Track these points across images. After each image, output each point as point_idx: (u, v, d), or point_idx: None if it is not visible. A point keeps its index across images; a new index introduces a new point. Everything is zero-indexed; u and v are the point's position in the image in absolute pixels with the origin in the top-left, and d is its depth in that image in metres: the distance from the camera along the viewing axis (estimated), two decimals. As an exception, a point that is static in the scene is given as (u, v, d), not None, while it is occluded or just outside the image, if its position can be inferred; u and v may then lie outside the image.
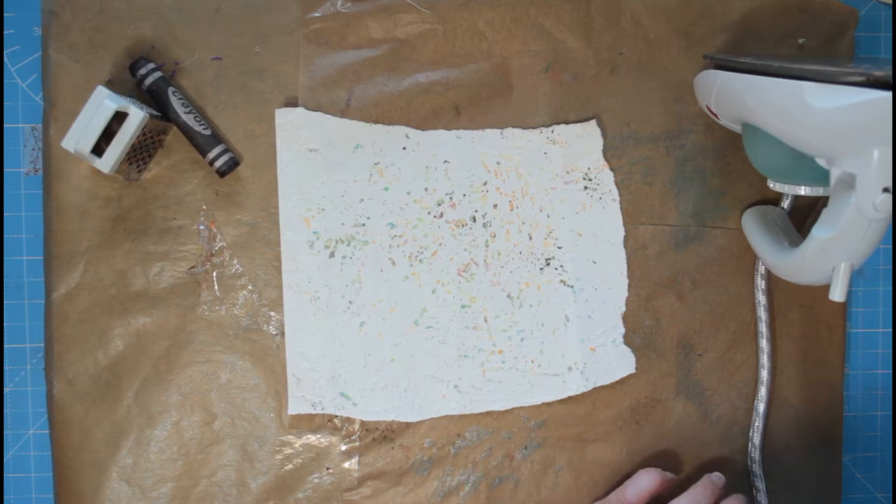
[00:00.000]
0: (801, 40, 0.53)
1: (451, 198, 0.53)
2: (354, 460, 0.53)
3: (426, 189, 0.53)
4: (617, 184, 0.53)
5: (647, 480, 0.51)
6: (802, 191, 0.48)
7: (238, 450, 0.52)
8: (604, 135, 0.53)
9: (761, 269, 0.53)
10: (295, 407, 0.52)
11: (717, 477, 0.52)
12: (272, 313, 0.53)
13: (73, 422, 0.52)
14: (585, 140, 0.53)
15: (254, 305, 0.53)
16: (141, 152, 0.50)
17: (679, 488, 0.52)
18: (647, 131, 0.53)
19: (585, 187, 0.53)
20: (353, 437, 0.53)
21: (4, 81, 0.53)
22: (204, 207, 0.52)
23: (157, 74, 0.51)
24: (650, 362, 0.54)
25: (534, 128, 0.53)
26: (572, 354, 0.53)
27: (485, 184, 0.53)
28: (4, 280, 0.54)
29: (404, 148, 0.52)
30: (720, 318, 0.54)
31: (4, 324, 0.54)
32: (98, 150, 0.47)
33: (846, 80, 0.39)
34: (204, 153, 0.51)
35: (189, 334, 0.52)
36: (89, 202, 0.52)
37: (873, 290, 0.56)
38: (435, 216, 0.53)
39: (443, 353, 0.53)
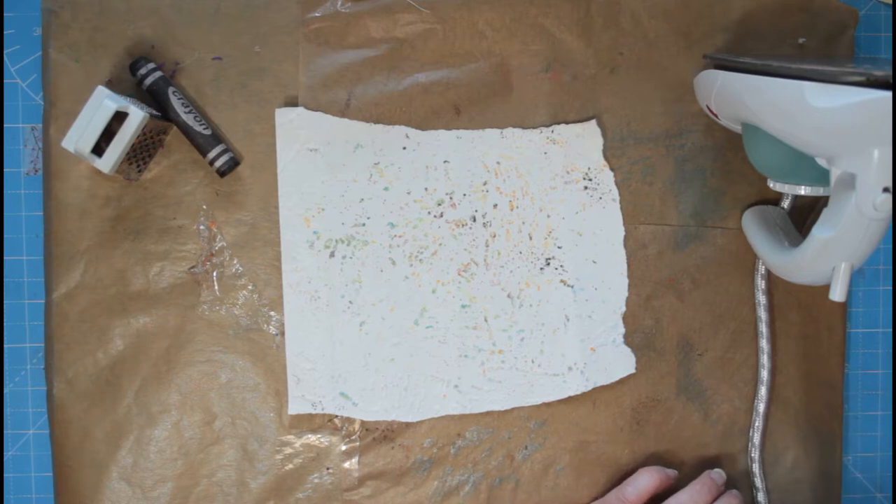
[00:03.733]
0: (801, 40, 0.53)
1: (451, 197, 0.53)
2: (354, 460, 0.53)
3: (426, 189, 0.53)
4: (617, 183, 0.53)
5: (647, 479, 0.51)
6: (802, 191, 0.48)
7: (238, 449, 0.52)
8: (604, 135, 0.53)
9: (761, 269, 0.53)
10: (295, 407, 0.52)
11: (716, 474, 0.52)
12: (272, 313, 0.53)
13: (72, 421, 0.52)
14: (585, 140, 0.53)
15: (254, 305, 0.53)
16: (141, 152, 0.50)
17: (679, 485, 0.52)
18: (646, 131, 0.53)
19: (585, 187, 0.53)
20: (353, 437, 0.53)
21: (4, 81, 0.53)
22: (204, 207, 0.52)
23: (157, 74, 0.51)
24: (650, 362, 0.54)
25: (534, 128, 0.53)
26: (572, 354, 0.53)
27: (485, 184, 0.53)
28: (4, 280, 0.54)
29: (404, 148, 0.52)
30: (720, 318, 0.54)
31: (4, 324, 0.54)
32: (98, 150, 0.47)
33: (846, 80, 0.39)
34: (204, 153, 0.51)
35: (189, 334, 0.52)
36: (89, 202, 0.52)
37: (873, 290, 0.56)
38: (435, 216, 0.53)
39: (443, 353, 0.53)
